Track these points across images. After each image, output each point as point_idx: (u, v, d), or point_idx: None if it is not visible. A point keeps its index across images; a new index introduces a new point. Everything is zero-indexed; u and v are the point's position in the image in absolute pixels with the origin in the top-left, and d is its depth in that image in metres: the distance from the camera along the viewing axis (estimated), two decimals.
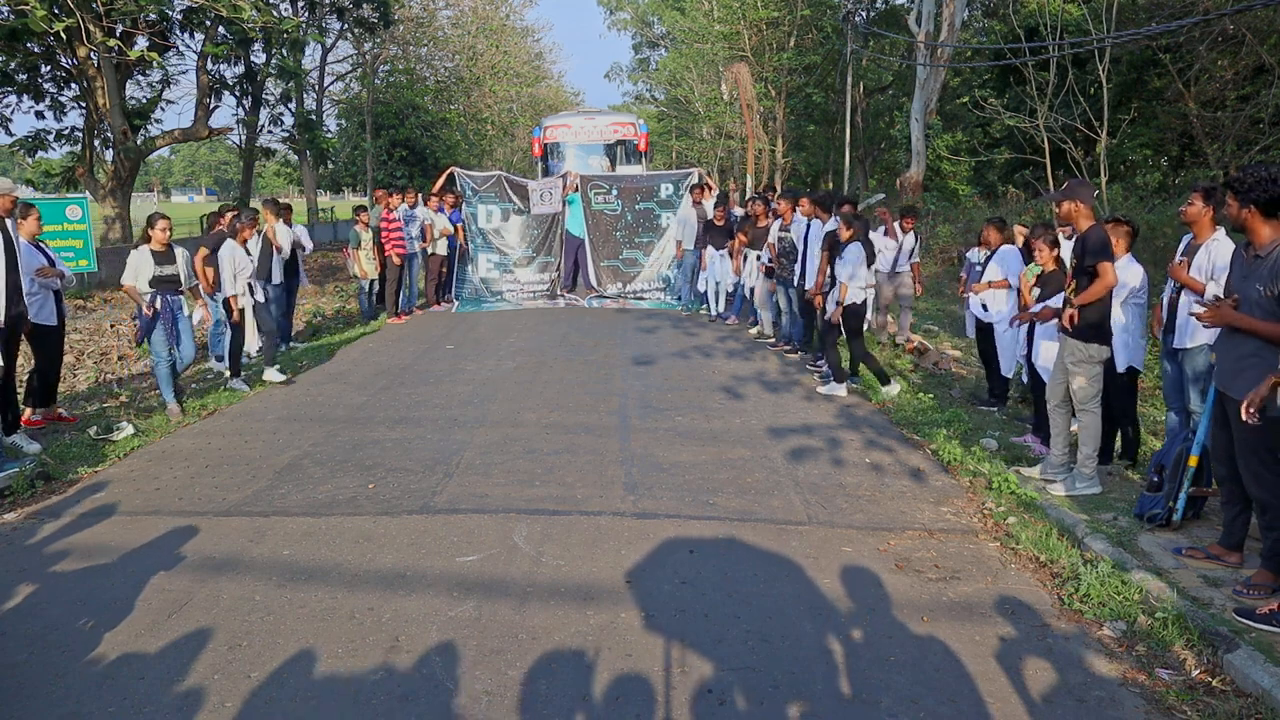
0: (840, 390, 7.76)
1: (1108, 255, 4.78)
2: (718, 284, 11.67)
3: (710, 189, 12.84)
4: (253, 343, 8.66)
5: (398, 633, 3.56)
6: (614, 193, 13.46)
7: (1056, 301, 5.49)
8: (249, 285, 7.98)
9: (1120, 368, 5.44)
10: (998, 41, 19.17)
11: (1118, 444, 5.76)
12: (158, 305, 6.81)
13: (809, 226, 8.61)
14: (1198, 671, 3.25)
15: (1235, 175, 3.79)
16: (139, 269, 6.80)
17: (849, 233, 7.58)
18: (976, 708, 3.06)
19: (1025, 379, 6.65)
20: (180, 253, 7.07)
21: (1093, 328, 4.90)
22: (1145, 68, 17.44)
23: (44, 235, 6.77)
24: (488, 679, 3.22)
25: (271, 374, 8.21)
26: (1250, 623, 3.48)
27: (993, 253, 7.14)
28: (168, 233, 6.90)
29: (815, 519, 4.82)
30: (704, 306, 12.20)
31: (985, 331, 7.24)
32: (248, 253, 8.08)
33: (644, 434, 6.43)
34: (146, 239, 6.89)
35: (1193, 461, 4.40)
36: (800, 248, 8.77)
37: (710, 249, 11.61)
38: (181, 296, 7.04)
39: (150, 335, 6.86)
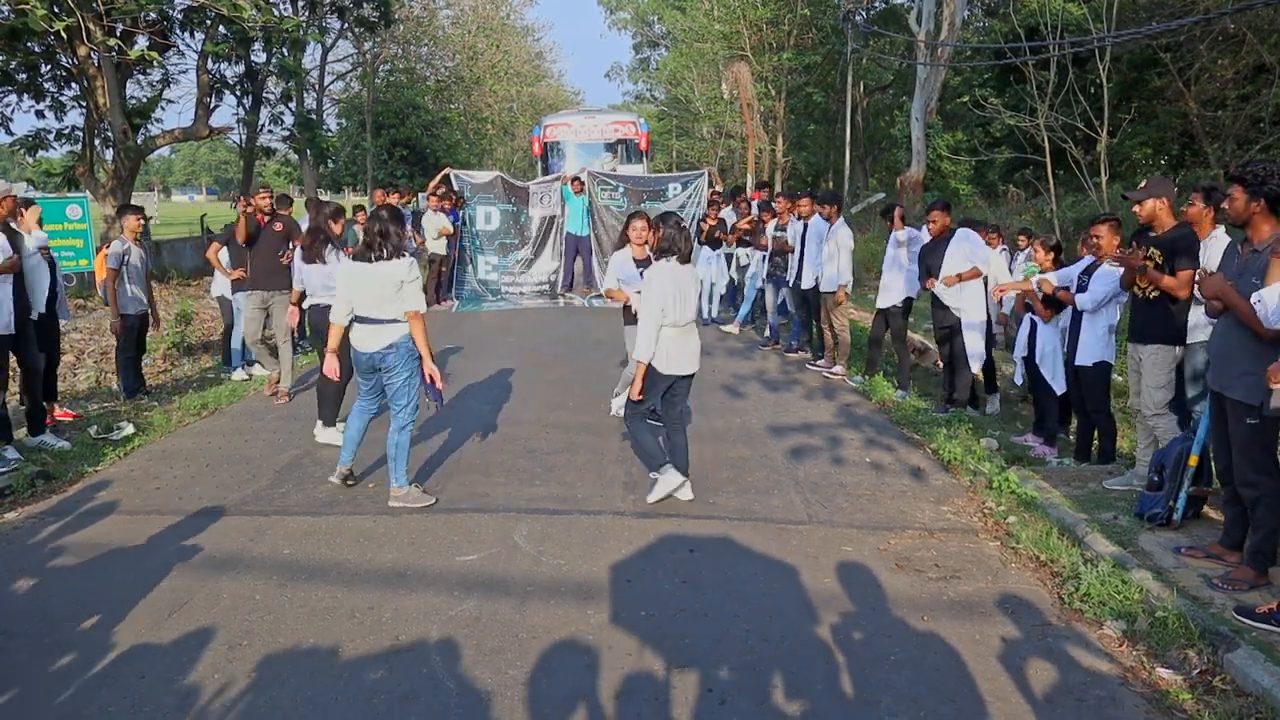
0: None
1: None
2: (712, 285, 11.62)
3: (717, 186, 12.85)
4: None
5: (398, 632, 3.56)
6: (620, 190, 13.43)
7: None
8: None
9: (1089, 361, 5.41)
10: (998, 41, 19.15)
11: (1118, 444, 5.74)
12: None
13: (806, 226, 8.65)
14: (1198, 671, 3.25)
15: (1245, 168, 3.73)
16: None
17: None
18: (977, 707, 3.06)
19: (1018, 380, 6.61)
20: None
21: (1173, 329, 4.84)
22: (1146, 67, 17.41)
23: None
24: (488, 678, 3.22)
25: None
26: (1250, 622, 3.48)
27: (946, 238, 6.80)
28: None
29: (815, 518, 4.82)
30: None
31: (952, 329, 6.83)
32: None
33: None
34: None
35: (1193, 461, 4.40)
36: (798, 247, 8.78)
37: (705, 250, 11.58)
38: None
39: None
